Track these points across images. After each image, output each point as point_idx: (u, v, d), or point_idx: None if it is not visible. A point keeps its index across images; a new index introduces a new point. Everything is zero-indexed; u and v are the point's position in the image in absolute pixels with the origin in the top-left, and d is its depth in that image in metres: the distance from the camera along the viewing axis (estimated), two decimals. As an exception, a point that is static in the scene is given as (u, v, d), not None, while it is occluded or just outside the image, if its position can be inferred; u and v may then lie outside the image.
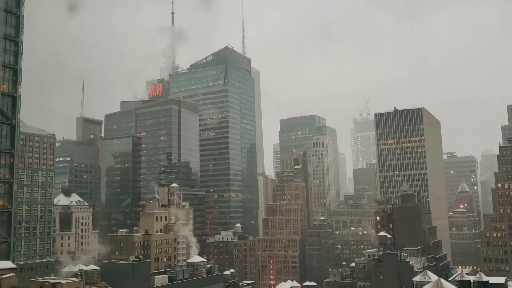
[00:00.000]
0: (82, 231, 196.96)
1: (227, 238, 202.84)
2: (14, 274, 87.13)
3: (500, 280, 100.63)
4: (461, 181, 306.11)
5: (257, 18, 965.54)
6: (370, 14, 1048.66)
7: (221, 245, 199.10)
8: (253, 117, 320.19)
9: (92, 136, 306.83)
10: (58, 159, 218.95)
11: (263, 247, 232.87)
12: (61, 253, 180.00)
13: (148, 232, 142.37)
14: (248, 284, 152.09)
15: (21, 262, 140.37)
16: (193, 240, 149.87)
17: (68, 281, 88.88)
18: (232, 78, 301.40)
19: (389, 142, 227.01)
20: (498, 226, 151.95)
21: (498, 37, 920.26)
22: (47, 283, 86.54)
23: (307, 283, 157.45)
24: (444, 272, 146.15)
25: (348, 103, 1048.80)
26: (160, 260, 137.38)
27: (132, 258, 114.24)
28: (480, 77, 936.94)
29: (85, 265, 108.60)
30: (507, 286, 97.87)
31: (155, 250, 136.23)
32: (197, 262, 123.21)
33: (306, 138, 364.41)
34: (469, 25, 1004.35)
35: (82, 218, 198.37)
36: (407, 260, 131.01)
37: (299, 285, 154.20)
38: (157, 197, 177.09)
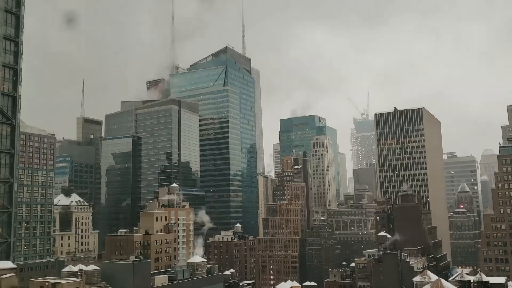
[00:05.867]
0: (82, 231, 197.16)
1: (227, 238, 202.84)
2: (14, 274, 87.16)
3: (500, 280, 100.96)
4: (461, 181, 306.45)
5: (257, 18, 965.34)
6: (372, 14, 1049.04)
7: (221, 245, 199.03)
8: (253, 117, 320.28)
9: (92, 136, 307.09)
10: (58, 159, 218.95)
11: (263, 247, 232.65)
12: (61, 253, 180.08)
13: (148, 232, 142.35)
14: (248, 284, 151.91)
15: (21, 262, 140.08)
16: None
17: (68, 281, 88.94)
18: (232, 78, 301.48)
19: (389, 142, 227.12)
20: (498, 226, 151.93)
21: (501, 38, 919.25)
22: (47, 283, 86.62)
23: (307, 283, 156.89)
24: (444, 272, 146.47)
25: (349, 102, 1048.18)
26: (160, 260, 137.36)
27: (132, 258, 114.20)
28: (480, 76, 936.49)
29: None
30: (507, 286, 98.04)
31: (155, 250, 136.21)
32: (197, 262, 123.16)
33: (306, 138, 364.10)
34: (469, 26, 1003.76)
35: (82, 218, 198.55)
36: (407, 260, 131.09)
37: (299, 285, 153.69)
38: (158, 197, 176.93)
